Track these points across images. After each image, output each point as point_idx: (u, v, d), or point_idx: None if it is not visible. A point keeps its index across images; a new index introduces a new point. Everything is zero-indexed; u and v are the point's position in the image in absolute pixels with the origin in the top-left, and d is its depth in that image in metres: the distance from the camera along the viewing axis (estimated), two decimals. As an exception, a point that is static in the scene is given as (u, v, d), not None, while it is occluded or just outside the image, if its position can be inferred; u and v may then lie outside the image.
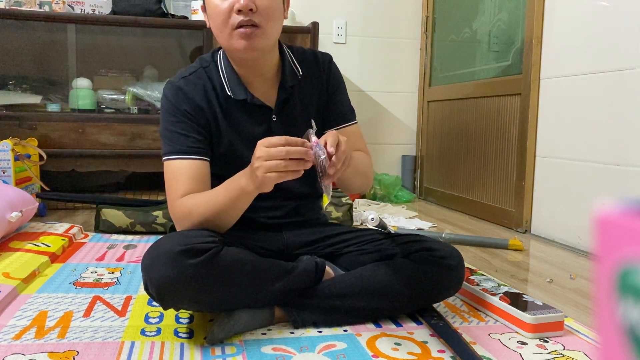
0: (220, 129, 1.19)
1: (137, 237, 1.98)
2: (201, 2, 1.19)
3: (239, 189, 1.04)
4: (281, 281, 1.11)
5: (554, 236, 2.09)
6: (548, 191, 2.13)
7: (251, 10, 1.08)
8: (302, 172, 0.97)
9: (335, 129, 1.27)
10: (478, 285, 1.32)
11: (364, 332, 1.12)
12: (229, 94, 1.19)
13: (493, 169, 2.49)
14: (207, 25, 1.18)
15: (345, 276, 1.20)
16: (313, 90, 1.27)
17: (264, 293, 1.10)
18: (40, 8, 2.67)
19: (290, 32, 2.83)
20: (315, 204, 1.35)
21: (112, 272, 1.52)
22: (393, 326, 1.16)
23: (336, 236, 1.30)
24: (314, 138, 0.98)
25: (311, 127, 1.26)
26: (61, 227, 1.89)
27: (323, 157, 0.96)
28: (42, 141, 2.45)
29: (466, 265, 1.30)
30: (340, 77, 1.32)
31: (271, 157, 0.95)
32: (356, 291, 1.16)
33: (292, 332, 1.11)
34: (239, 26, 1.09)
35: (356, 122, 1.32)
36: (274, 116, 1.22)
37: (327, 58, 1.30)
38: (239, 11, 1.08)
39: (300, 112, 1.25)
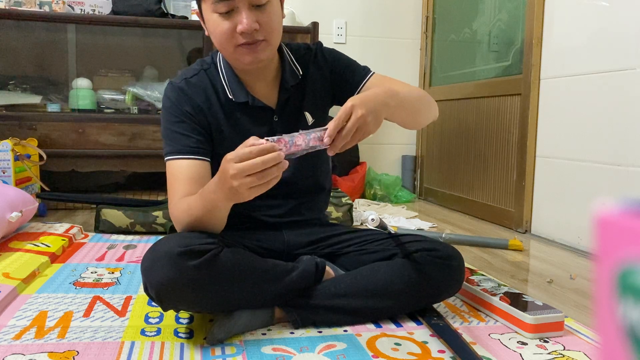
0: (222, 130, 1.19)
1: (137, 237, 1.98)
2: (195, 8, 1.18)
3: (212, 203, 1.01)
4: (281, 281, 1.11)
5: (554, 236, 2.08)
6: (548, 191, 2.13)
7: (255, 29, 1.08)
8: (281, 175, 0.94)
9: (357, 92, 1.24)
10: (478, 285, 1.32)
11: (364, 332, 1.12)
12: (230, 96, 1.19)
13: (493, 169, 2.49)
14: (206, 34, 1.17)
15: (345, 276, 1.20)
16: (314, 85, 1.26)
17: (264, 293, 1.10)
18: (40, 8, 2.67)
19: (290, 32, 2.83)
20: (316, 203, 1.35)
21: (112, 272, 1.52)
22: (393, 326, 1.16)
23: (336, 236, 1.30)
24: (296, 134, 0.95)
25: (307, 121, 1.26)
26: (61, 227, 1.89)
27: (315, 144, 0.96)
28: (42, 141, 2.45)
29: (466, 265, 1.30)
30: (333, 53, 1.30)
31: (247, 172, 0.90)
32: (356, 291, 1.16)
33: (292, 332, 1.11)
34: (243, 44, 1.10)
35: (374, 73, 1.27)
36: (275, 117, 1.22)
37: (318, 46, 1.30)
38: (242, 32, 1.08)
39: (301, 111, 1.25)
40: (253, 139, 0.93)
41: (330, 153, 0.99)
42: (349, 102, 0.97)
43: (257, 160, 0.90)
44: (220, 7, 1.08)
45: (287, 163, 0.93)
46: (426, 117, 1.22)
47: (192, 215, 1.06)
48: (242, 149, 0.92)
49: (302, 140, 0.96)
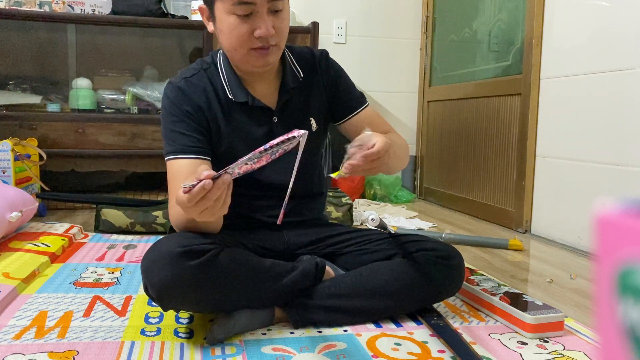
0: (220, 130, 1.19)
1: (137, 237, 1.98)
2: (201, 3, 1.18)
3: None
4: (281, 281, 1.11)
5: (554, 236, 2.09)
6: (548, 191, 2.13)
7: (271, 34, 1.09)
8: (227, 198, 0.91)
9: (348, 119, 1.28)
10: (478, 285, 1.32)
11: (364, 332, 1.12)
12: (230, 96, 1.19)
13: (493, 169, 2.49)
14: (210, 30, 1.17)
15: (345, 276, 1.20)
16: (314, 90, 1.27)
17: (264, 293, 1.10)
18: (40, 8, 2.67)
19: (290, 32, 2.81)
20: (315, 203, 1.35)
21: (112, 272, 1.52)
22: (393, 326, 1.16)
23: (336, 236, 1.30)
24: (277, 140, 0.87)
25: (311, 127, 1.26)
26: (61, 227, 1.89)
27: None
28: (42, 141, 2.45)
29: (466, 265, 1.30)
30: (338, 69, 1.31)
31: (190, 204, 0.88)
32: (356, 291, 1.16)
33: (292, 332, 1.11)
34: (257, 48, 1.10)
35: (368, 105, 1.31)
36: (274, 118, 1.22)
37: (324, 54, 1.30)
38: (260, 37, 1.09)
39: (301, 113, 1.25)
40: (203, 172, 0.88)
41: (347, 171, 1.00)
42: (386, 145, 0.99)
43: (201, 204, 0.87)
44: (240, 10, 1.07)
45: (229, 178, 0.87)
46: (401, 167, 1.26)
47: (183, 218, 1.06)
48: (180, 197, 0.89)
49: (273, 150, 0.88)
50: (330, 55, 1.33)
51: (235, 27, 1.09)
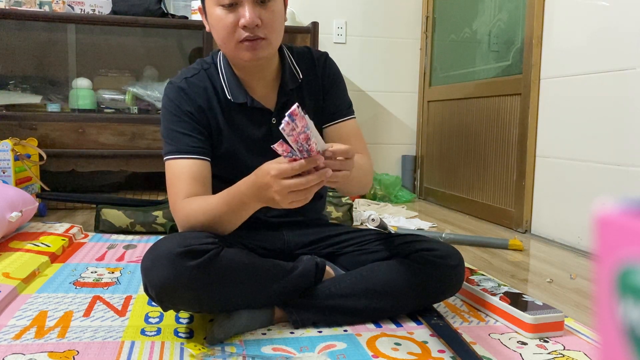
0: (220, 130, 1.19)
1: (137, 237, 1.98)
2: (199, 3, 1.18)
3: (242, 205, 1.02)
4: (281, 281, 1.11)
5: (554, 236, 2.09)
6: (548, 191, 2.13)
7: (257, 25, 1.08)
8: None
9: (331, 124, 1.26)
10: (478, 285, 1.32)
11: (364, 332, 1.12)
12: (229, 97, 1.19)
13: (493, 169, 2.49)
14: (207, 29, 1.17)
15: (345, 276, 1.20)
16: (312, 91, 1.26)
17: (263, 293, 1.10)
18: (40, 8, 2.67)
19: (290, 32, 2.83)
20: (316, 203, 1.35)
21: (112, 272, 1.52)
22: (393, 326, 1.16)
23: (336, 236, 1.30)
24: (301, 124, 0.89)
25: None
26: (61, 227, 1.89)
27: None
28: (42, 141, 2.45)
29: (466, 265, 1.30)
30: (335, 72, 1.30)
31: (291, 190, 0.92)
32: (356, 291, 1.16)
33: (292, 332, 1.11)
34: (244, 39, 1.10)
35: (353, 118, 1.28)
36: (273, 119, 1.22)
37: (323, 56, 1.29)
38: (244, 26, 1.08)
39: None
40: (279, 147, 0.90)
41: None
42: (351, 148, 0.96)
43: (302, 180, 0.91)
44: None
45: (329, 171, 0.92)
46: (357, 191, 1.23)
47: (210, 214, 1.05)
48: (283, 165, 0.91)
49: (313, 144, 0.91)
50: (331, 56, 1.32)
51: (221, 18, 1.09)
